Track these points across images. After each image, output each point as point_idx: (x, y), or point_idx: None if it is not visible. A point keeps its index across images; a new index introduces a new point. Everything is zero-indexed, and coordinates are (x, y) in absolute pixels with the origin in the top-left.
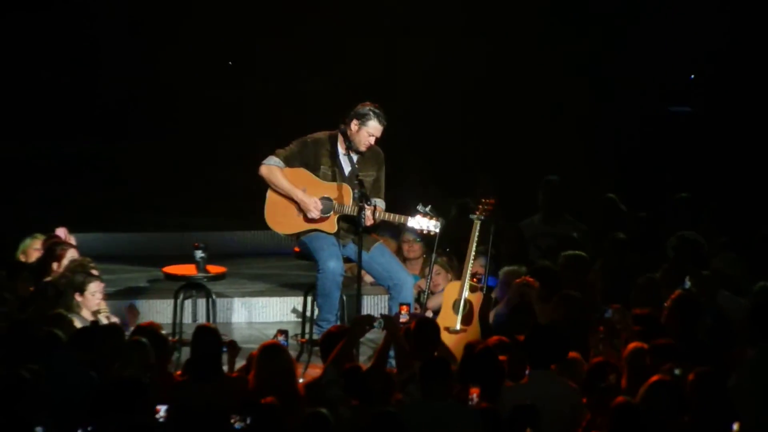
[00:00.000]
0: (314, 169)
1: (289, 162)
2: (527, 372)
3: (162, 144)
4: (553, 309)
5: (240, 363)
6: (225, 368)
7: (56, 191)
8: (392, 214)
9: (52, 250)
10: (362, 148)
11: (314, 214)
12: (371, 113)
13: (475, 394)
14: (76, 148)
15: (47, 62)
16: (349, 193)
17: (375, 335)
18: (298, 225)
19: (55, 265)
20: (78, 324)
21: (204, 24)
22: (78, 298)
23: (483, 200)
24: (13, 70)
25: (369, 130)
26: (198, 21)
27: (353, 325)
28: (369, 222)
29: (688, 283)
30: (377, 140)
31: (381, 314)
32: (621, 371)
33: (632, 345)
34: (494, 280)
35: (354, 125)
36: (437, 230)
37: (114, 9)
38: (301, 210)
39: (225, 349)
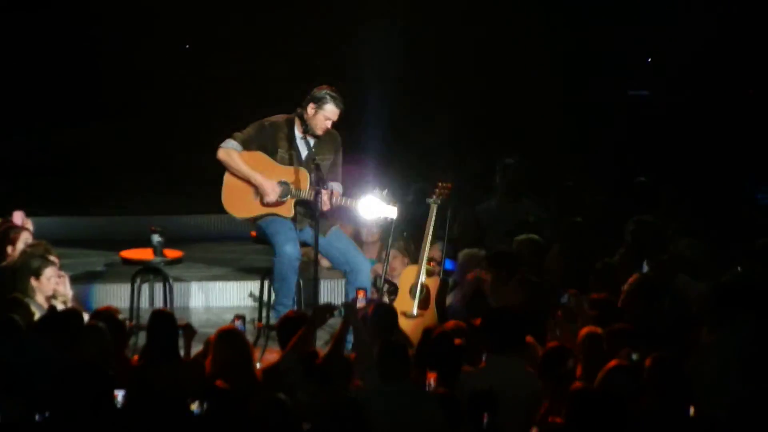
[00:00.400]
0: (271, 153)
1: (246, 145)
2: (484, 357)
3: (120, 127)
4: (511, 292)
5: (197, 347)
6: (181, 353)
7: (13, 175)
8: (348, 199)
9: (6, 234)
10: (319, 132)
11: (271, 198)
12: (327, 96)
13: (432, 378)
14: (32, 131)
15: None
16: (306, 178)
17: (333, 320)
18: (255, 209)
19: (9, 249)
20: (33, 309)
21: (163, 7)
22: (33, 282)
23: (440, 184)
24: None
25: (326, 114)
26: (158, 4)
27: (313, 313)
28: (326, 207)
29: (646, 267)
30: (334, 124)
31: (342, 303)
32: (578, 356)
33: (586, 330)
34: (452, 264)
35: (311, 109)
36: (393, 216)
37: None
38: (258, 194)
39: (181, 333)
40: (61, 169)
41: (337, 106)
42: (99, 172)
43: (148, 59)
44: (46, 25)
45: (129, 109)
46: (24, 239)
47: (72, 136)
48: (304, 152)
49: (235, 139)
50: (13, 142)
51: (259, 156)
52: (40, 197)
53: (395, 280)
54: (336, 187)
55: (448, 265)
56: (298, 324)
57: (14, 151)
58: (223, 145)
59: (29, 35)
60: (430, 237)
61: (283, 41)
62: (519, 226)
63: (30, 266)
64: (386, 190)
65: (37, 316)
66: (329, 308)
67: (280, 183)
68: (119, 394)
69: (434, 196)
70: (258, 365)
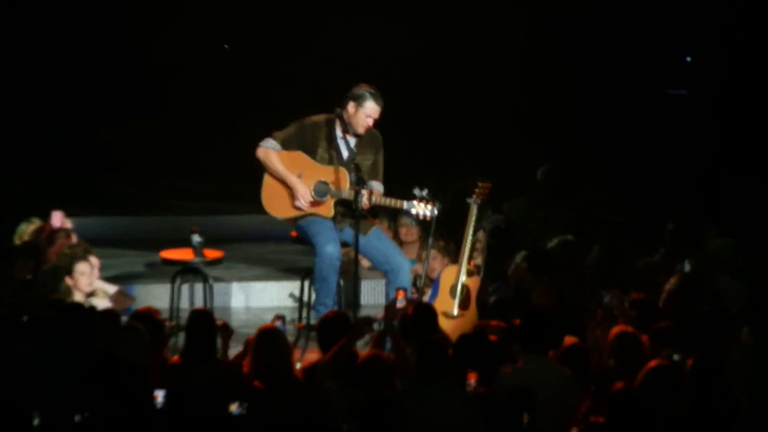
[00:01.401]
0: (312, 153)
1: (286, 145)
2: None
3: (160, 127)
4: (542, 292)
5: (236, 348)
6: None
7: (54, 175)
8: (389, 198)
9: (49, 237)
10: (360, 131)
11: (303, 203)
12: (367, 94)
13: (473, 379)
14: (71, 132)
15: (46, 46)
16: (346, 177)
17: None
18: (295, 209)
19: (51, 252)
20: None
21: (204, 7)
22: (69, 281)
23: (479, 184)
24: (10, 52)
25: (366, 111)
26: (197, 5)
27: (353, 326)
28: (365, 206)
29: (687, 267)
30: (375, 122)
31: (380, 318)
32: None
33: (617, 329)
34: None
35: (351, 107)
36: (434, 215)
37: None
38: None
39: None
40: (103, 168)
41: (377, 103)
42: (140, 172)
43: (191, 59)
44: (88, 24)
45: (170, 109)
46: (64, 242)
47: (114, 136)
48: (344, 152)
49: (274, 138)
50: (55, 141)
51: (299, 155)
52: (80, 197)
53: (435, 280)
54: (376, 186)
55: None
56: (337, 325)
57: (56, 150)
58: (262, 144)
59: (75, 35)
60: (470, 237)
61: (321, 41)
62: (550, 225)
63: (62, 266)
64: (426, 190)
65: None
66: (368, 321)
67: (320, 183)
68: (159, 395)
69: (474, 196)
70: (298, 365)
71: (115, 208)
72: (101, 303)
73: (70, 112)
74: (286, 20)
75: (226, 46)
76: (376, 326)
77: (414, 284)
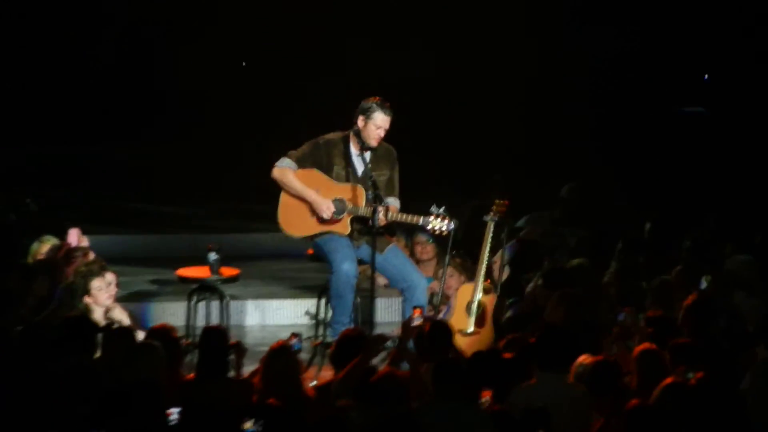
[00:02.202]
0: (327, 170)
1: (301, 163)
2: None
3: (175, 145)
4: (555, 307)
5: (252, 365)
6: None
7: (69, 193)
8: (405, 214)
9: (68, 255)
10: (373, 143)
11: (326, 215)
12: (374, 105)
13: (487, 396)
14: (88, 150)
15: (61, 66)
16: (362, 194)
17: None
18: (312, 227)
19: (69, 270)
20: None
21: (219, 27)
22: (87, 299)
23: (496, 201)
24: (24, 72)
25: (376, 123)
26: (213, 25)
27: (366, 344)
28: (381, 222)
29: (704, 284)
30: (387, 134)
31: (394, 335)
32: (633, 373)
33: (642, 347)
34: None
35: (360, 121)
36: (451, 229)
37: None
38: (314, 212)
39: (232, 351)
40: (120, 187)
41: (386, 113)
42: (154, 189)
43: (205, 78)
44: (103, 44)
45: (186, 127)
46: (82, 260)
47: (131, 155)
48: (360, 168)
49: (290, 157)
50: (71, 159)
51: (315, 173)
52: (97, 215)
53: (452, 298)
54: (393, 202)
55: None
56: (356, 343)
57: (71, 168)
58: (278, 164)
59: (92, 55)
60: (486, 254)
61: (338, 59)
62: (577, 244)
63: (78, 285)
64: (443, 207)
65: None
66: (382, 338)
67: (336, 200)
68: (174, 412)
69: (491, 214)
70: (314, 383)
71: (132, 226)
72: (122, 316)
73: (87, 132)
74: (306, 40)
75: (244, 64)
76: (389, 344)
77: (430, 302)
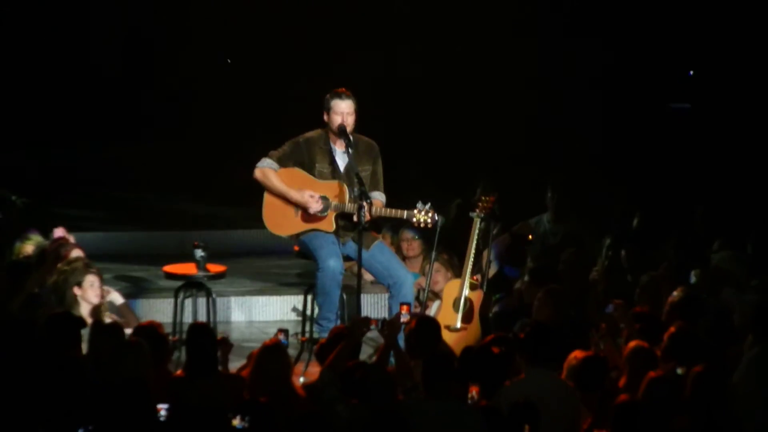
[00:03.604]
0: (309, 169)
1: (283, 163)
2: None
3: (162, 143)
4: (541, 305)
5: (239, 361)
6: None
7: (56, 190)
8: (390, 209)
9: (57, 252)
10: (348, 128)
11: (315, 207)
12: (330, 96)
13: (474, 391)
14: (74, 148)
15: (48, 67)
16: (345, 190)
17: (375, 333)
18: (297, 226)
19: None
20: None
21: (205, 27)
22: (77, 291)
23: (483, 198)
24: (12, 74)
25: (336, 111)
26: (200, 25)
27: (350, 327)
28: (366, 218)
29: (693, 278)
30: (355, 120)
31: (382, 319)
32: (622, 369)
33: (633, 343)
34: (513, 271)
35: (325, 116)
36: (436, 222)
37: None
38: (299, 210)
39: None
40: (105, 183)
41: (342, 98)
42: (140, 186)
43: (192, 76)
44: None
45: (172, 125)
46: (74, 255)
47: (116, 152)
48: (342, 164)
49: (270, 157)
50: (57, 157)
51: (297, 172)
52: (82, 211)
53: (438, 294)
54: (378, 196)
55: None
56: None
57: (58, 166)
58: (258, 164)
59: (80, 56)
60: (473, 250)
61: (324, 59)
62: (569, 239)
63: (70, 278)
64: (429, 204)
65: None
66: (366, 321)
67: (320, 197)
68: (162, 408)
69: (477, 210)
70: (302, 379)
71: (118, 223)
72: (116, 298)
73: (75, 132)
74: (299, 40)
75: (228, 61)
76: (373, 327)
77: (417, 298)
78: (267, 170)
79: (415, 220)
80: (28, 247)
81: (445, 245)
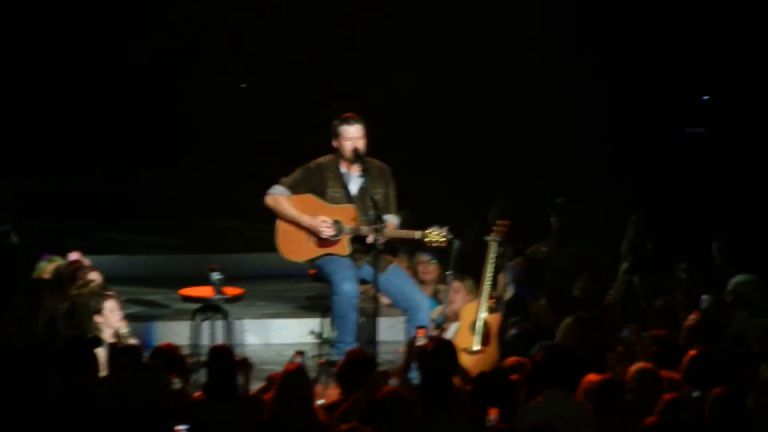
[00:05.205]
0: (321, 194)
1: (294, 189)
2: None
3: (176, 167)
4: (568, 332)
5: (256, 384)
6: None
7: (72, 214)
8: (402, 231)
9: (73, 275)
10: (360, 152)
11: (327, 232)
12: (337, 122)
13: (494, 414)
14: (91, 172)
15: (64, 93)
16: (358, 214)
17: (394, 356)
18: (312, 251)
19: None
20: (101, 349)
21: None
22: (99, 319)
23: (497, 222)
24: (27, 102)
25: (345, 136)
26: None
27: (368, 382)
28: (371, 240)
29: (705, 303)
30: (367, 142)
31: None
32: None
33: (638, 365)
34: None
35: (335, 143)
36: (450, 238)
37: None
38: (312, 235)
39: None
40: (119, 207)
41: (350, 124)
42: (157, 210)
43: (209, 101)
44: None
45: (187, 149)
46: (92, 278)
47: (133, 175)
48: (354, 188)
49: (282, 184)
50: (74, 179)
51: (309, 198)
52: (99, 235)
53: (456, 314)
54: (391, 219)
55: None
56: (360, 363)
57: (74, 188)
58: (270, 191)
59: (111, 78)
60: (489, 274)
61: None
62: (579, 262)
63: (90, 305)
64: (446, 227)
65: (101, 354)
66: (384, 376)
67: (333, 222)
68: (181, 429)
69: (492, 234)
70: (321, 401)
71: (135, 247)
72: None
73: (95, 158)
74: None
75: (243, 86)
76: (392, 382)
77: (438, 324)
78: (278, 197)
79: (428, 240)
80: (51, 268)
81: (461, 269)
